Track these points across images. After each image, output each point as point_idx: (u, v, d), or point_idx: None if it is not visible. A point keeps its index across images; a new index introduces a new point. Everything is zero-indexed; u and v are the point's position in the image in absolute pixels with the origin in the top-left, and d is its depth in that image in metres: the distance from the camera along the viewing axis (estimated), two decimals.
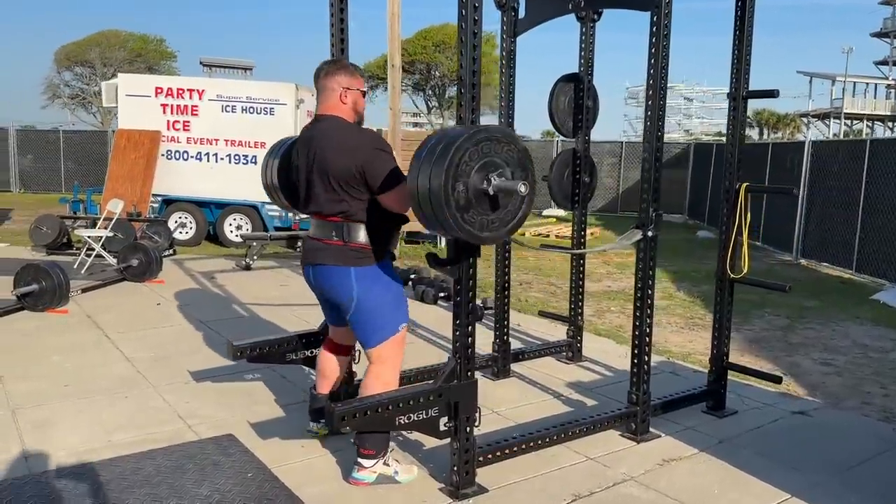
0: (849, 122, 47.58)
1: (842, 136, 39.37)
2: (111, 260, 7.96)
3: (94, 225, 8.91)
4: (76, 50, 37.98)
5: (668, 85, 3.65)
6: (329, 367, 3.54)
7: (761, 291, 7.00)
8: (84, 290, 6.87)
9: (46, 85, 39.64)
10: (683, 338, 6.09)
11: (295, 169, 3.24)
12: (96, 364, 4.76)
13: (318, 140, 3.10)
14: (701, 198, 16.40)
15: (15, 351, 4.99)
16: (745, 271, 4.02)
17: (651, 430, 3.79)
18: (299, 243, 8.95)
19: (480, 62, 2.95)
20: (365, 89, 3.27)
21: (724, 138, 3.95)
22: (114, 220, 8.58)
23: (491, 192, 2.66)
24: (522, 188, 2.67)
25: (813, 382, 4.88)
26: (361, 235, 3.08)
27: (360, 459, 3.13)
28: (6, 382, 4.34)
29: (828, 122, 47.53)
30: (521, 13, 4.47)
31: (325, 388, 3.54)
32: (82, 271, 7.71)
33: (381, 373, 3.17)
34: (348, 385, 3.84)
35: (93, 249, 7.98)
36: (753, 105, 58.45)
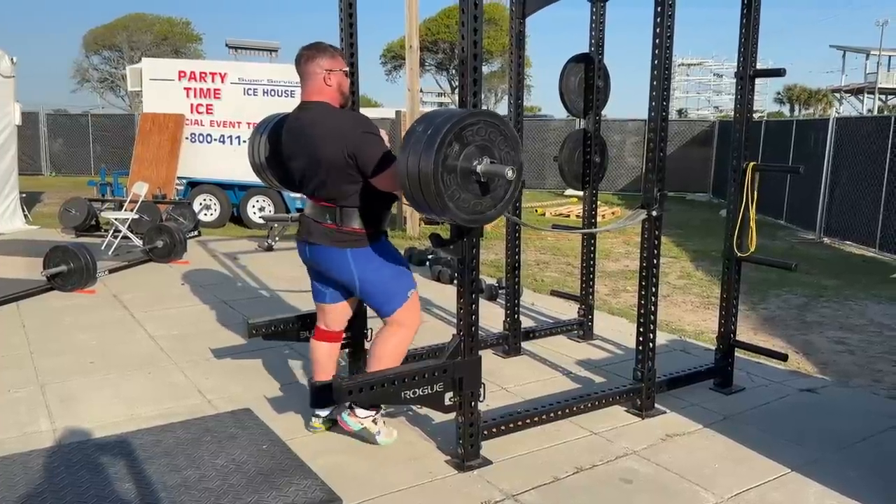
0: (883, 96, 46.41)
1: (875, 111, 38.44)
2: (137, 241, 8.16)
3: (120, 207, 9.14)
4: (104, 34, 38.49)
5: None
6: (323, 354, 3.55)
7: (780, 271, 6.99)
8: (111, 271, 7.09)
9: (76, 69, 40.32)
10: (698, 316, 6.11)
11: (286, 156, 3.30)
12: (121, 342, 4.95)
13: (307, 128, 3.15)
14: (726, 176, 16.17)
15: (44, 329, 5.20)
16: (752, 250, 4.03)
17: (657, 406, 3.85)
18: None
19: (482, 44, 3.00)
20: (346, 69, 3.28)
21: (754, 115, 3.96)
22: (139, 203, 8.79)
23: (482, 179, 2.73)
24: (509, 173, 2.70)
25: (824, 360, 4.89)
26: (355, 220, 3.16)
27: (353, 408, 3.29)
28: (35, 359, 4.54)
29: (861, 98, 46.44)
30: None
31: (322, 376, 3.54)
32: (109, 252, 7.93)
33: (397, 332, 3.31)
34: (360, 361, 3.96)
35: (119, 231, 8.19)
36: (784, 81, 57.08)
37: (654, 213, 3.66)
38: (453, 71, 40.73)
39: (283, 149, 3.30)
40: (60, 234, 9.55)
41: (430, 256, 7.62)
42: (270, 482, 3.00)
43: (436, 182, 2.62)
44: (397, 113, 11.78)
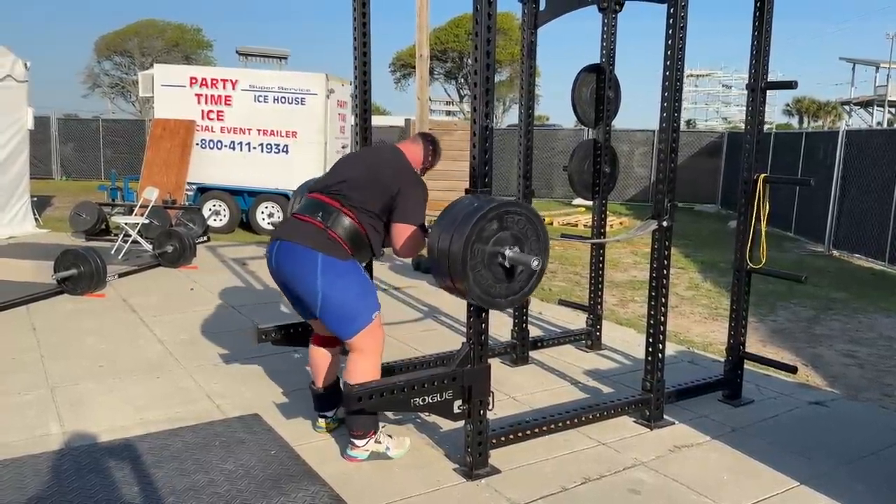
0: (893, 109, 46.22)
1: (885, 124, 38.34)
2: (147, 246, 8.21)
3: (130, 212, 9.19)
4: (116, 39, 38.79)
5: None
6: (321, 359, 3.51)
7: (789, 283, 6.97)
8: (121, 275, 7.13)
9: (87, 74, 40.61)
10: (706, 328, 6.10)
11: (340, 167, 3.38)
12: (130, 346, 4.97)
13: (381, 153, 3.41)
14: (735, 188, 16.11)
15: (54, 332, 5.23)
16: (762, 261, 4.03)
17: (665, 417, 3.85)
18: None
19: (494, 56, 3.02)
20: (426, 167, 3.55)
21: (763, 126, 3.97)
22: (150, 208, 8.84)
23: (507, 265, 2.89)
24: (535, 263, 2.89)
25: (833, 374, 4.87)
26: (344, 232, 3.14)
27: (352, 439, 3.27)
28: (45, 362, 4.56)
29: (871, 110, 46.26)
30: (542, 5, 4.52)
31: (322, 381, 3.52)
32: (119, 257, 7.97)
33: (359, 360, 3.20)
34: None
35: (129, 236, 8.24)
36: (793, 93, 57.03)
37: (665, 224, 3.66)
38: (462, 80, 40.89)
39: (343, 162, 3.45)
40: (71, 237, 9.61)
41: None
42: (279, 488, 3.01)
43: (463, 261, 2.76)
44: (406, 121, 11.83)
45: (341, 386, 3.36)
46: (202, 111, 11.14)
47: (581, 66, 4.75)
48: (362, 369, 3.19)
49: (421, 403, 3.06)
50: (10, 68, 9.73)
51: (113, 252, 8.01)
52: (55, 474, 3.07)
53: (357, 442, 3.26)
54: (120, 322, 5.59)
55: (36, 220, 10.65)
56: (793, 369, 4.17)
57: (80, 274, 6.32)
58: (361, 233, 3.18)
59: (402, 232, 3.18)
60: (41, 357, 4.66)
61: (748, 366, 4.30)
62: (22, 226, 10.14)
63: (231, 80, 11.13)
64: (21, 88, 9.99)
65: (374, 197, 3.17)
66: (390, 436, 3.37)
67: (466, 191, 3.17)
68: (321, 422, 3.60)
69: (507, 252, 2.87)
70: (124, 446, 3.37)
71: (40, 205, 11.67)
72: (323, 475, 3.14)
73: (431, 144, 3.47)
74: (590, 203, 5.13)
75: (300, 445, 3.42)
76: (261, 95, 11.02)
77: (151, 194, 8.86)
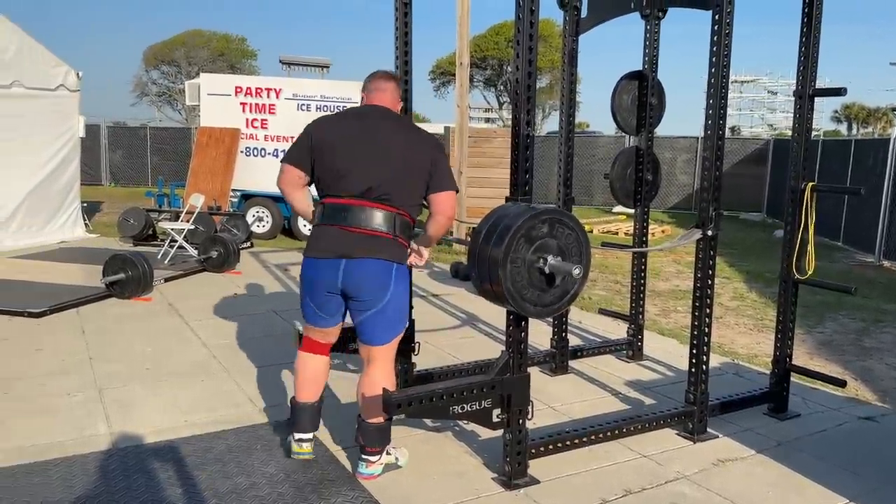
0: None
1: None
2: (192, 251, 8.37)
3: (177, 218, 9.40)
4: (163, 49, 39.81)
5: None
6: (323, 369, 3.36)
7: (838, 294, 6.79)
8: (167, 280, 7.29)
9: (135, 83, 41.74)
10: (751, 339, 5.97)
11: (350, 154, 3.01)
12: (175, 349, 5.08)
13: (391, 128, 3.11)
14: (780, 196, 15.81)
15: (103, 335, 5.37)
16: (810, 272, 3.94)
17: (709, 430, 3.77)
18: None
19: (536, 63, 3.02)
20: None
21: (811, 134, 3.89)
22: (195, 214, 9.02)
23: (546, 271, 2.87)
24: (576, 271, 2.87)
25: (884, 388, 4.72)
26: (407, 233, 3.11)
27: (365, 456, 3.19)
28: (94, 364, 4.68)
29: None
30: (584, 12, 4.50)
31: (314, 394, 3.31)
32: (165, 262, 8.14)
33: (385, 367, 3.18)
34: (408, 374, 4.00)
35: (175, 241, 8.42)
36: (842, 99, 55.75)
37: (710, 233, 3.60)
38: (501, 87, 40.89)
39: (348, 146, 3.02)
40: (119, 242, 9.86)
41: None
42: (319, 492, 3.04)
43: (503, 268, 2.76)
44: (446, 128, 11.87)
45: (360, 396, 3.22)
46: (247, 119, 11.36)
47: (620, 71, 4.72)
48: (386, 376, 3.17)
49: (460, 411, 3.05)
50: (63, 78, 10.05)
51: (159, 257, 8.19)
52: (102, 474, 3.15)
53: (371, 458, 3.19)
54: (166, 325, 5.71)
55: (86, 225, 10.95)
56: (841, 383, 4.05)
57: (127, 278, 6.48)
58: (412, 224, 3.18)
59: (447, 200, 3.10)
60: (90, 359, 4.79)
61: (795, 379, 4.20)
62: (72, 230, 10.43)
63: (275, 90, 11.32)
64: (73, 97, 10.30)
65: (418, 187, 3.08)
66: (394, 446, 3.32)
67: (507, 198, 3.17)
68: (306, 445, 3.31)
69: (550, 259, 2.85)
70: (169, 448, 3.44)
71: (90, 210, 12.00)
72: (361, 480, 3.16)
73: (397, 80, 3.31)
74: (631, 211, 5.07)
75: (339, 451, 3.45)
76: (304, 104, 11.18)
77: (197, 201, 9.05)
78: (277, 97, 11.29)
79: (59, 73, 9.99)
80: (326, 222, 3.05)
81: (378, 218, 3.00)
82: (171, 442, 3.50)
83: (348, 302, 3.12)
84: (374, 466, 3.21)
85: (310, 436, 3.32)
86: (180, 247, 8.41)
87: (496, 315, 6.19)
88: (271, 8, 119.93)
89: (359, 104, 3.28)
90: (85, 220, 11.00)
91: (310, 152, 3.06)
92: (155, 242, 9.68)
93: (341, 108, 10.98)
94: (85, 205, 11.25)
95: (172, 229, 8.57)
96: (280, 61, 19.82)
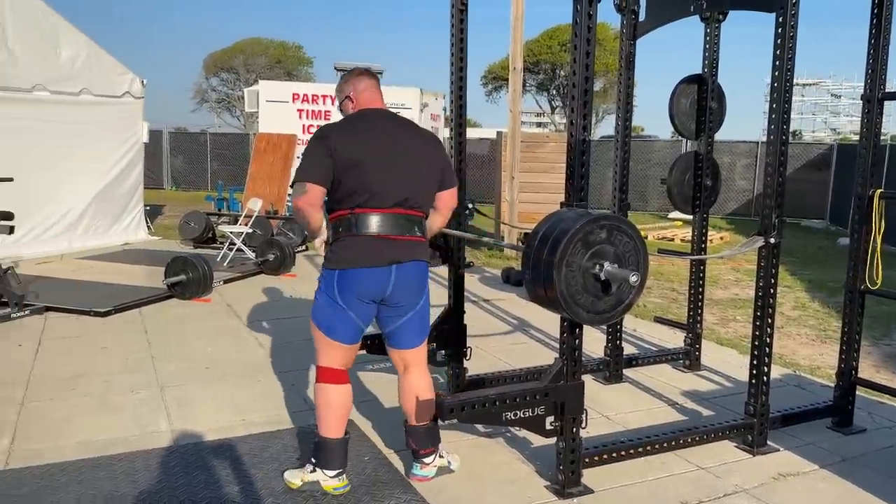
0: None
1: None
2: (250, 254, 8.56)
3: (235, 221, 9.62)
4: (223, 57, 40.87)
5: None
6: (350, 399, 3.15)
7: None
8: (225, 282, 7.47)
9: (196, 90, 42.95)
10: (813, 350, 5.78)
11: (380, 159, 2.95)
12: (233, 349, 5.20)
13: (410, 131, 3.15)
14: (844, 202, 15.28)
15: (164, 335, 5.53)
16: (878, 283, 3.79)
17: (769, 443, 3.67)
18: None
19: (593, 68, 2.99)
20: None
21: (879, 139, 3.76)
22: (253, 218, 9.23)
23: (602, 277, 2.80)
24: (633, 278, 2.79)
25: None
26: (428, 233, 3.19)
27: (421, 459, 3.21)
28: (156, 363, 4.83)
29: None
30: (642, 16, 4.44)
31: (344, 427, 3.10)
32: (224, 264, 8.35)
33: (425, 371, 3.25)
34: (460, 379, 4.01)
35: (234, 244, 8.62)
36: None
37: (773, 241, 3.50)
38: (554, 91, 40.63)
39: (378, 161, 2.94)
40: (180, 245, 10.15)
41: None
42: (372, 494, 3.06)
43: (557, 273, 2.71)
44: (498, 133, 11.85)
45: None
46: (303, 126, 11.58)
47: (674, 72, 4.66)
48: (427, 378, 3.24)
49: (513, 418, 3.04)
50: (128, 85, 10.41)
51: (218, 259, 8.40)
52: (164, 469, 3.25)
53: (426, 460, 3.20)
54: (224, 326, 5.85)
55: (148, 227, 11.30)
56: None
57: (188, 280, 6.67)
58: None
59: (454, 196, 3.24)
60: (152, 358, 4.94)
61: (860, 392, 4.05)
62: (136, 233, 10.79)
63: (331, 96, 11.51)
64: (138, 104, 10.66)
65: (434, 188, 3.15)
66: (446, 450, 3.34)
67: (561, 204, 3.14)
68: (344, 477, 3.09)
69: (606, 266, 2.81)
70: (227, 446, 3.52)
71: (152, 213, 12.39)
72: (414, 484, 3.17)
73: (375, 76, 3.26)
74: (687, 217, 4.97)
75: (392, 453, 3.47)
76: None
77: (255, 205, 9.25)
78: (333, 104, 11.46)
79: (125, 81, 10.35)
80: (363, 232, 2.94)
81: (414, 223, 3.04)
82: (229, 440, 3.58)
83: (384, 310, 3.08)
84: (429, 468, 3.22)
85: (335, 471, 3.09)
86: (238, 250, 8.60)
87: (548, 321, 6.15)
88: (326, 16, 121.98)
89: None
90: (147, 222, 11.35)
91: (332, 169, 2.90)
92: (214, 245, 9.92)
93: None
94: (147, 208, 11.62)
95: (231, 232, 8.78)
96: (335, 68, 20.15)
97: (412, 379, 3.20)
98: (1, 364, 4.74)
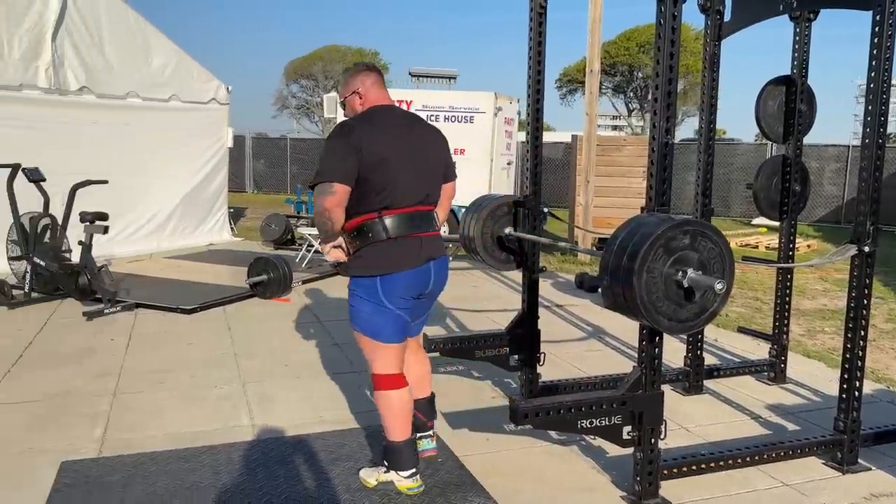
0: None
1: None
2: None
3: (313, 224, 9.86)
4: (302, 64, 42.01)
5: None
6: (411, 400, 3.17)
7: None
8: (304, 282, 7.66)
9: (276, 96, 44.31)
10: None
11: (399, 158, 2.93)
12: (311, 348, 5.32)
13: (422, 126, 3.21)
14: None
15: (246, 332, 5.72)
16: None
17: (860, 461, 3.48)
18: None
19: (677, 70, 2.92)
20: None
21: None
22: None
23: (685, 285, 2.71)
24: (719, 286, 2.69)
25: None
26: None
27: (426, 433, 3.38)
28: (238, 359, 5.00)
29: None
30: (727, 16, 4.31)
31: (410, 427, 3.12)
32: (303, 265, 8.56)
33: (419, 345, 3.48)
34: (533, 385, 3.98)
35: (312, 246, 8.82)
36: None
37: (866, 249, 3.33)
38: (631, 94, 39.91)
39: (402, 158, 2.94)
40: (261, 246, 10.48)
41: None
42: (446, 495, 3.08)
43: (638, 279, 2.64)
44: (573, 136, 11.72)
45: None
46: None
47: (758, 74, 4.51)
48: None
49: (588, 426, 2.99)
50: (214, 92, 10.82)
51: (297, 260, 8.62)
52: (245, 463, 3.35)
53: (432, 431, 3.44)
54: (302, 325, 6.00)
55: (231, 229, 11.70)
56: None
57: (269, 280, 6.87)
58: None
59: (454, 187, 3.31)
60: (235, 354, 5.11)
61: None
62: (220, 234, 11.19)
63: (406, 101, 11.62)
64: (223, 110, 11.07)
65: (442, 184, 3.21)
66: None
67: (642, 209, 3.08)
68: (419, 478, 3.11)
69: (690, 273, 2.72)
70: (305, 442, 3.60)
71: (235, 215, 12.82)
72: (486, 487, 3.16)
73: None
74: (772, 223, 4.78)
75: (466, 456, 3.47)
76: (433, 115, 11.40)
77: None
78: (408, 108, 11.59)
79: (211, 88, 10.77)
80: (401, 233, 2.93)
81: (434, 218, 3.13)
82: (307, 436, 3.67)
83: (416, 304, 3.11)
84: (434, 441, 3.42)
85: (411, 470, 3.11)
86: (317, 251, 8.80)
87: (623, 328, 6.03)
88: (404, 21, 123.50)
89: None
90: (231, 224, 11.75)
91: (357, 169, 2.83)
92: (293, 246, 10.18)
93: (469, 119, 11.17)
94: (231, 210, 12.03)
95: (310, 234, 8.98)
96: (410, 74, 20.40)
97: (409, 356, 3.26)
98: (95, 357, 5.01)
